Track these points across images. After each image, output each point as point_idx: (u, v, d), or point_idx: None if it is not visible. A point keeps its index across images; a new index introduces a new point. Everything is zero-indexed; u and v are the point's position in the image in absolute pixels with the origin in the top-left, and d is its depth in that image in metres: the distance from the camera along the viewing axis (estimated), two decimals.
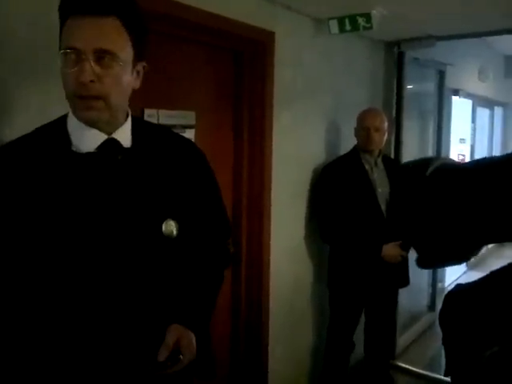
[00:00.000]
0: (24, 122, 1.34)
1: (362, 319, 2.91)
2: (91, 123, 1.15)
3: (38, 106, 1.47)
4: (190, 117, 2.23)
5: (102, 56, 1.09)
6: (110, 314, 1.16)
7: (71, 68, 1.08)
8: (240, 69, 2.46)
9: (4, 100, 1.44)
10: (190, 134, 2.17)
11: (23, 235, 1.11)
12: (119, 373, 1.17)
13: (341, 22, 2.68)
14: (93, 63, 1.07)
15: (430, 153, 4.13)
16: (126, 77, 1.15)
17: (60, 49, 1.11)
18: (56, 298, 1.14)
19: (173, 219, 1.22)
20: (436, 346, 3.59)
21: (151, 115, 2.06)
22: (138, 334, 1.18)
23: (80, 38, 1.07)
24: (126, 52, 1.13)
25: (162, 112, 2.11)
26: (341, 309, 2.79)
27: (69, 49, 1.07)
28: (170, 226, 1.22)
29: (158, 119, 2.08)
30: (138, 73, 1.20)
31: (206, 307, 1.34)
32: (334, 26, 2.70)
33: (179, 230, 1.23)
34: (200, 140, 2.13)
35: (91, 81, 1.08)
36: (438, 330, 0.96)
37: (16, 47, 1.45)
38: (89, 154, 1.17)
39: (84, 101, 1.10)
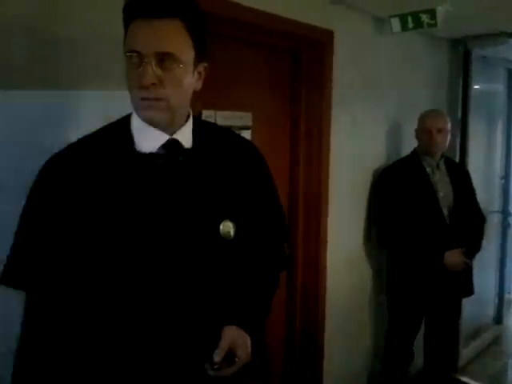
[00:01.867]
0: (89, 120, 1.37)
1: (423, 329, 2.80)
2: (153, 123, 1.17)
3: (102, 106, 1.51)
4: (246, 118, 2.23)
5: (163, 59, 1.09)
6: (167, 313, 1.16)
7: (134, 70, 1.10)
8: (298, 69, 2.43)
9: (73, 102, 1.49)
10: (246, 135, 2.16)
11: (85, 234, 1.13)
12: (175, 372, 1.18)
13: (403, 19, 2.59)
14: (154, 66, 1.08)
15: (498, 157, 3.93)
16: (187, 78, 1.15)
17: (124, 51, 1.14)
18: (117, 297, 1.15)
19: (230, 220, 1.22)
20: (501, 362, 3.40)
21: (209, 116, 2.07)
22: (194, 334, 1.19)
23: (141, 41, 1.08)
24: (188, 54, 1.14)
25: (220, 113, 2.12)
26: (400, 317, 2.69)
27: (131, 52, 1.09)
28: (228, 227, 1.21)
29: (216, 120, 2.09)
30: (199, 74, 1.20)
31: (261, 310, 1.33)
32: (395, 24, 2.61)
33: (236, 231, 1.22)
34: (256, 141, 2.09)
35: (153, 84, 1.09)
36: (505, 344, 0.89)
37: (83, 54, 1.50)
38: (151, 154, 1.18)
39: (146, 101, 1.12)
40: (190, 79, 1.16)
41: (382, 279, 2.80)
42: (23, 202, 1.19)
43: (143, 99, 1.11)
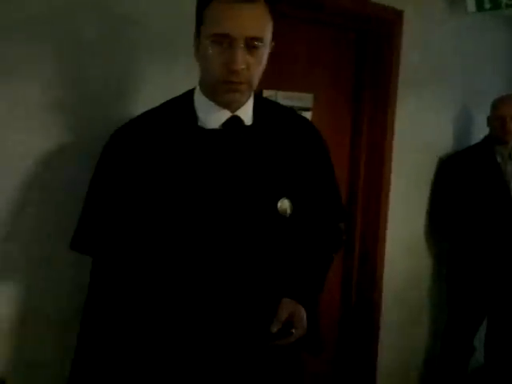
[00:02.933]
0: (154, 95, 1.41)
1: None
2: (230, 104, 1.19)
3: (166, 81, 1.54)
4: (307, 99, 2.19)
5: (252, 43, 1.11)
6: (226, 285, 1.19)
7: (221, 53, 1.11)
8: (363, 50, 2.36)
9: (139, 77, 1.53)
10: (307, 117, 2.13)
11: (150, 205, 1.17)
12: (234, 342, 1.21)
13: None
14: (244, 50, 1.10)
15: None
16: (265, 59, 1.17)
17: (200, 32, 1.14)
18: (178, 270, 1.18)
19: (288, 198, 1.24)
20: None
21: (269, 96, 2.05)
22: (252, 305, 1.22)
23: (233, 25, 1.08)
24: (269, 36, 1.16)
25: (280, 94, 2.10)
26: (460, 310, 2.59)
27: (220, 36, 1.09)
28: (285, 205, 1.23)
29: (276, 100, 2.07)
30: (269, 53, 1.22)
31: (316, 285, 1.35)
32: (471, 3, 2.48)
33: (293, 209, 1.24)
34: (316, 123, 2.04)
35: (242, 68, 1.10)
36: None
37: (149, 32, 1.53)
38: (214, 130, 1.21)
39: (231, 84, 1.13)
40: (266, 59, 1.18)
41: (443, 268, 2.70)
42: (91, 174, 1.25)
43: (229, 82, 1.13)
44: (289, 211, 1.24)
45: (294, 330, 1.21)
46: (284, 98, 2.10)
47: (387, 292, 2.51)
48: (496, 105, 2.58)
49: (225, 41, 1.09)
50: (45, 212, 1.39)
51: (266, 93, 2.04)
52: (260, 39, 1.12)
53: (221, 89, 1.15)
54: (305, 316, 1.25)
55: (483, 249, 2.47)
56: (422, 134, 2.57)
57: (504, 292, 2.51)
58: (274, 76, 2.03)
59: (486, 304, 2.57)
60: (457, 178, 2.55)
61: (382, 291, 2.48)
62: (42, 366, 1.42)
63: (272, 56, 1.24)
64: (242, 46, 1.09)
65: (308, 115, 2.17)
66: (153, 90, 1.51)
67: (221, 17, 1.09)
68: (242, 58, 1.09)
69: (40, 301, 1.41)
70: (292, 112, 1.42)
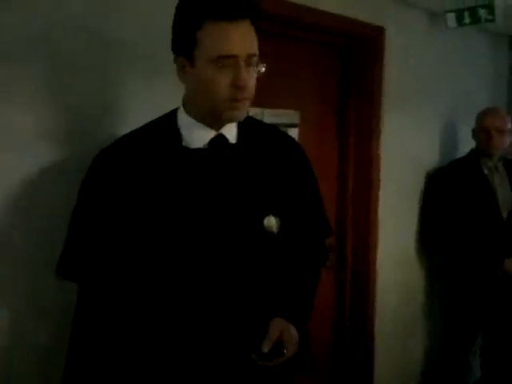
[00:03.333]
0: (137, 116, 1.41)
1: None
2: (233, 121, 1.20)
3: (150, 102, 1.54)
4: (294, 116, 2.20)
5: (250, 60, 1.13)
6: (214, 304, 1.18)
7: (226, 73, 1.11)
8: (347, 67, 2.39)
9: (123, 98, 1.53)
10: (293, 134, 2.13)
11: (135, 227, 1.16)
12: (223, 362, 1.19)
13: (459, 14, 2.49)
14: (246, 67, 1.12)
15: None
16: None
17: (192, 55, 1.13)
18: (164, 288, 1.17)
19: (274, 215, 1.23)
20: None
21: (256, 114, 2.04)
22: (241, 325, 1.20)
23: (236, 45, 1.10)
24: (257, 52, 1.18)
25: (267, 111, 2.10)
26: (454, 325, 2.57)
27: (227, 57, 1.10)
28: (271, 222, 1.23)
29: (263, 118, 2.07)
30: None
31: (306, 303, 1.34)
32: (451, 19, 2.51)
33: (280, 226, 1.24)
34: (304, 139, 2.08)
35: (246, 85, 1.12)
36: None
37: (132, 54, 1.54)
38: (199, 149, 1.20)
39: (236, 103, 1.14)
40: None
41: (435, 282, 2.69)
42: (75, 195, 1.23)
43: (235, 100, 1.13)
44: (275, 228, 1.23)
45: (285, 350, 1.19)
46: (270, 115, 2.10)
47: (380, 306, 2.49)
48: (481, 117, 2.61)
49: (228, 61, 1.10)
50: (30, 235, 1.37)
51: (253, 111, 2.03)
52: (255, 55, 1.14)
53: (225, 107, 1.15)
54: (296, 335, 1.23)
55: (474, 260, 2.46)
56: (408, 147, 2.58)
57: (497, 305, 2.50)
58: (260, 94, 2.02)
59: (480, 316, 2.55)
60: (445, 191, 2.56)
61: (376, 306, 2.47)
62: None
63: (257, 74, 1.25)
64: (245, 63, 1.12)
65: (295, 132, 2.17)
66: (139, 109, 1.51)
67: (223, 38, 1.10)
68: (246, 74, 1.12)
69: (25, 325, 1.38)
70: (275, 129, 1.42)
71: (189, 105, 1.22)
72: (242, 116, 1.20)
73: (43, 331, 1.40)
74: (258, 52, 1.15)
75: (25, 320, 1.38)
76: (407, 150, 2.58)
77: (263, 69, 1.19)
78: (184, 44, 1.14)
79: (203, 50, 1.11)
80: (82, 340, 1.19)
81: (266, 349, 1.17)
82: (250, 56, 1.12)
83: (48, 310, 1.40)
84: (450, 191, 2.55)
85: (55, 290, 1.40)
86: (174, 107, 1.28)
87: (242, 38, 1.11)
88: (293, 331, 1.23)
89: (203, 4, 1.11)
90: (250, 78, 1.14)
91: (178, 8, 1.16)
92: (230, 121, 1.20)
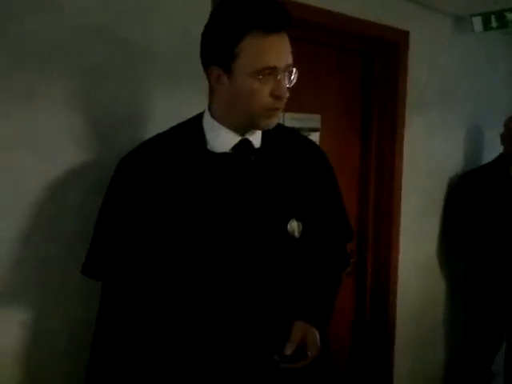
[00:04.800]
0: (162, 121, 1.43)
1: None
2: (267, 128, 1.22)
3: (174, 107, 1.56)
4: (315, 120, 2.19)
5: (289, 70, 1.16)
6: (237, 307, 1.19)
7: (266, 83, 1.13)
8: (370, 71, 2.37)
9: (148, 103, 1.55)
10: (314, 138, 2.13)
11: (159, 229, 1.17)
12: (245, 364, 1.20)
13: (486, 18, 2.46)
14: (284, 78, 1.14)
15: None
16: None
17: (230, 66, 1.13)
18: (187, 291, 1.18)
19: (297, 219, 1.24)
20: None
21: None
22: (264, 328, 1.21)
23: (278, 56, 1.13)
24: None
25: (288, 115, 2.09)
26: (477, 333, 2.52)
27: (267, 68, 1.12)
28: (294, 226, 1.24)
29: (284, 122, 2.07)
30: None
31: (327, 307, 1.34)
32: (477, 23, 2.48)
33: (302, 230, 1.25)
34: (325, 144, 2.08)
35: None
36: None
37: (158, 59, 1.56)
38: (224, 154, 1.22)
39: (275, 111, 1.17)
40: None
41: (458, 293, 2.64)
42: (100, 199, 1.25)
43: (274, 109, 1.17)
44: (297, 232, 1.24)
45: (308, 353, 1.19)
46: (292, 119, 2.09)
47: (401, 314, 2.46)
48: (509, 123, 2.55)
49: (270, 72, 1.12)
50: (53, 238, 1.39)
51: None
52: (292, 65, 1.17)
53: (264, 116, 1.17)
54: (318, 337, 1.23)
55: (500, 268, 2.41)
56: (432, 152, 2.55)
57: None
58: None
59: (505, 324, 2.50)
60: (471, 197, 2.52)
61: (396, 313, 2.44)
62: None
63: None
64: (282, 73, 1.14)
65: (316, 136, 2.16)
66: (160, 114, 1.53)
67: (263, 50, 1.11)
68: (286, 85, 1.15)
69: (50, 327, 1.40)
70: (297, 133, 1.43)
71: (219, 112, 1.22)
72: (276, 122, 1.22)
73: (68, 332, 1.42)
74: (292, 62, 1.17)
75: (49, 320, 1.40)
76: (431, 155, 2.55)
77: (296, 77, 1.20)
78: (222, 56, 1.14)
79: (244, 63, 1.12)
80: (105, 338, 1.20)
81: (289, 351, 1.17)
82: (287, 66, 1.15)
83: (70, 312, 1.42)
84: (475, 197, 2.50)
85: (77, 294, 1.42)
86: (194, 114, 1.29)
87: (281, 50, 1.13)
88: (315, 334, 1.23)
89: (245, 17, 1.11)
90: (288, 87, 1.16)
91: (215, 19, 1.16)
92: (266, 128, 1.22)
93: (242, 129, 1.22)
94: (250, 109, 1.16)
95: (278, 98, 1.14)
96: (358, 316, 2.46)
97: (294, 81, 1.19)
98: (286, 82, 1.15)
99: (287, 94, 1.16)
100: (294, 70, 1.18)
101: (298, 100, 2.13)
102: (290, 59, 1.15)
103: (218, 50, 1.14)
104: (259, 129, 1.22)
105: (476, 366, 2.53)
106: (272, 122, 1.20)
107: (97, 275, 1.24)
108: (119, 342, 1.19)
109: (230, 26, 1.12)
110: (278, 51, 1.13)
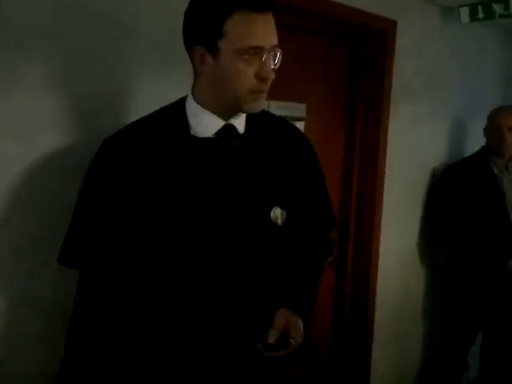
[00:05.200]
0: (147, 105, 1.39)
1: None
2: (253, 111, 1.19)
3: (160, 91, 1.53)
4: (300, 109, 2.18)
5: (275, 51, 1.14)
6: (220, 295, 1.18)
7: (251, 63, 1.11)
8: (356, 60, 2.35)
9: (132, 86, 1.52)
10: (300, 126, 2.09)
11: (140, 215, 1.15)
12: (228, 351, 1.20)
13: (473, 9, 2.45)
14: (269, 59, 1.12)
15: None
16: None
17: (216, 45, 1.11)
18: (169, 278, 1.17)
19: (280, 207, 1.24)
20: None
21: None
22: (247, 315, 1.20)
23: (264, 35, 1.11)
24: None
25: (273, 103, 2.07)
26: (455, 324, 2.55)
27: (254, 48, 1.10)
28: (278, 213, 1.23)
29: (269, 110, 2.03)
30: None
31: (310, 295, 1.34)
32: (464, 13, 2.47)
33: (286, 218, 1.24)
34: (310, 132, 2.05)
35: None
36: None
37: (143, 42, 1.52)
38: (208, 139, 1.19)
39: (260, 93, 1.15)
40: None
41: (438, 283, 2.67)
42: (80, 185, 1.23)
43: (259, 92, 1.14)
44: (282, 220, 1.23)
45: (292, 340, 1.19)
46: (277, 107, 2.07)
47: (381, 304, 2.48)
48: (493, 116, 2.56)
49: (255, 52, 1.10)
50: (30, 223, 1.36)
51: None
52: (277, 46, 1.15)
53: (248, 99, 1.15)
54: (301, 325, 1.23)
55: (478, 260, 2.44)
56: (416, 143, 2.55)
57: (499, 305, 2.48)
58: None
59: (482, 316, 2.53)
60: (453, 189, 2.53)
61: (376, 304, 2.45)
62: (26, 379, 1.38)
63: None
64: (268, 54, 1.12)
65: (301, 125, 2.14)
66: (146, 99, 1.50)
67: (249, 30, 1.09)
68: (271, 66, 1.13)
69: (26, 313, 1.38)
70: (283, 121, 1.41)
71: (202, 95, 1.20)
72: (262, 107, 1.20)
73: (43, 318, 1.40)
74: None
75: (24, 306, 1.37)
76: (415, 146, 2.55)
77: (280, 58, 1.18)
78: (208, 34, 1.12)
79: (230, 41, 1.10)
80: (81, 330, 1.18)
81: (272, 339, 1.17)
82: (273, 47, 1.13)
83: (44, 299, 1.40)
84: (456, 189, 2.52)
85: (52, 281, 1.40)
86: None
87: (268, 30, 1.12)
88: (299, 322, 1.23)
89: None
90: (273, 69, 1.14)
91: None
92: (251, 112, 1.20)
93: (226, 113, 1.20)
94: (234, 90, 1.14)
95: (262, 79, 1.12)
96: (337, 305, 2.47)
97: (279, 63, 1.17)
98: (271, 63, 1.13)
99: (272, 76, 1.14)
100: (279, 51, 1.16)
101: (284, 88, 2.12)
102: (275, 40, 1.14)
103: (203, 28, 1.12)
104: (244, 112, 1.20)
105: (452, 356, 2.56)
106: (257, 106, 1.18)
107: (74, 264, 1.21)
108: (96, 332, 1.17)
109: (216, 3, 1.10)
110: (264, 31, 1.11)
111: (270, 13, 1.12)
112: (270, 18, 1.12)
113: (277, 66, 1.17)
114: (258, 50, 1.10)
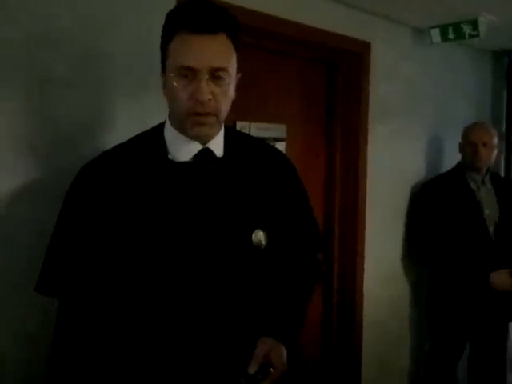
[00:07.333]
0: (125, 130, 1.40)
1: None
2: (200, 138, 1.17)
3: (138, 116, 1.54)
4: (281, 130, 2.20)
5: (216, 74, 1.10)
6: (200, 323, 1.15)
7: (186, 85, 1.10)
8: (333, 81, 2.40)
9: (109, 112, 1.52)
10: (280, 147, 2.11)
11: (119, 242, 1.13)
12: (210, 383, 1.15)
13: (444, 30, 2.53)
14: (208, 81, 1.09)
15: None
16: (232, 90, 1.17)
17: (165, 67, 1.14)
18: (149, 305, 1.14)
19: (262, 229, 1.21)
20: None
21: (243, 127, 2.05)
22: (228, 345, 1.17)
23: (196, 57, 1.08)
24: (233, 66, 1.16)
25: (254, 125, 2.10)
26: (441, 339, 2.56)
27: (184, 68, 1.09)
28: (260, 236, 1.21)
29: (250, 132, 2.07)
30: (235, 84, 1.21)
31: (296, 320, 1.30)
32: (435, 34, 2.55)
33: (268, 240, 1.21)
34: (291, 153, 2.07)
35: (208, 99, 1.10)
36: None
37: (120, 68, 1.54)
38: (185, 163, 1.19)
39: (198, 117, 1.12)
40: (233, 91, 1.18)
41: (422, 299, 2.68)
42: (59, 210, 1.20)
43: (196, 114, 1.11)
44: (264, 243, 1.21)
45: (272, 370, 1.15)
46: (258, 129, 2.10)
47: (368, 320, 2.48)
48: (467, 132, 2.62)
49: (189, 73, 1.09)
50: (7, 251, 1.34)
51: (240, 124, 2.04)
52: (224, 69, 1.11)
53: (189, 122, 1.13)
54: (285, 353, 1.19)
55: (461, 274, 2.45)
56: (395, 161, 2.60)
57: (484, 318, 2.49)
58: (248, 107, 2.04)
59: (468, 330, 2.54)
60: (432, 205, 2.55)
61: (363, 320, 2.45)
62: None
63: (244, 88, 1.24)
64: (207, 77, 1.09)
65: (282, 145, 2.17)
66: (124, 125, 1.50)
67: (183, 50, 1.09)
68: (207, 88, 1.09)
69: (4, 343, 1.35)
70: (263, 143, 1.41)
71: (170, 119, 1.21)
72: (210, 132, 1.17)
73: (21, 348, 1.36)
74: (230, 67, 1.13)
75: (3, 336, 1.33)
76: (394, 164, 2.59)
77: (234, 83, 1.16)
78: (162, 57, 1.16)
79: (170, 61, 1.12)
80: (63, 357, 1.15)
81: (252, 369, 1.13)
82: (215, 70, 1.10)
83: (23, 325, 1.37)
84: (436, 205, 2.54)
85: (31, 306, 1.37)
86: (158, 123, 1.27)
87: (205, 51, 1.09)
88: (281, 350, 1.19)
89: (176, 17, 1.12)
90: (216, 92, 1.11)
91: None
92: (198, 138, 1.17)
93: (195, 137, 1.18)
94: (175, 111, 1.15)
95: (196, 101, 1.09)
96: (325, 324, 2.46)
97: (231, 87, 1.14)
98: (210, 85, 1.09)
99: (207, 97, 1.09)
100: (228, 74, 1.12)
101: (263, 110, 2.15)
102: (219, 62, 1.10)
103: (161, 51, 1.16)
104: (190, 137, 1.17)
105: (440, 371, 2.56)
106: (201, 131, 1.15)
107: (52, 292, 1.18)
108: (78, 360, 1.13)
109: (166, 26, 1.14)
110: (201, 52, 1.08)
111: (219, 35, 1.10)
112: (216, 39, 1.10)
113: (227, 89, 1.13)
114: (192, 71, 1.09)
